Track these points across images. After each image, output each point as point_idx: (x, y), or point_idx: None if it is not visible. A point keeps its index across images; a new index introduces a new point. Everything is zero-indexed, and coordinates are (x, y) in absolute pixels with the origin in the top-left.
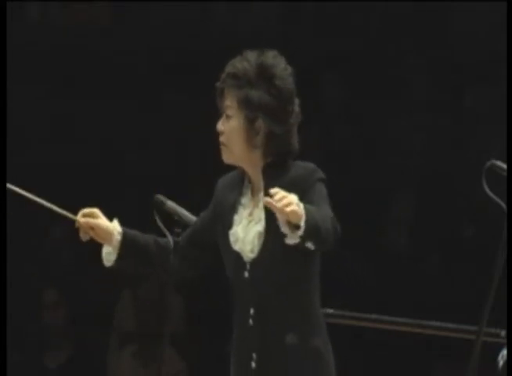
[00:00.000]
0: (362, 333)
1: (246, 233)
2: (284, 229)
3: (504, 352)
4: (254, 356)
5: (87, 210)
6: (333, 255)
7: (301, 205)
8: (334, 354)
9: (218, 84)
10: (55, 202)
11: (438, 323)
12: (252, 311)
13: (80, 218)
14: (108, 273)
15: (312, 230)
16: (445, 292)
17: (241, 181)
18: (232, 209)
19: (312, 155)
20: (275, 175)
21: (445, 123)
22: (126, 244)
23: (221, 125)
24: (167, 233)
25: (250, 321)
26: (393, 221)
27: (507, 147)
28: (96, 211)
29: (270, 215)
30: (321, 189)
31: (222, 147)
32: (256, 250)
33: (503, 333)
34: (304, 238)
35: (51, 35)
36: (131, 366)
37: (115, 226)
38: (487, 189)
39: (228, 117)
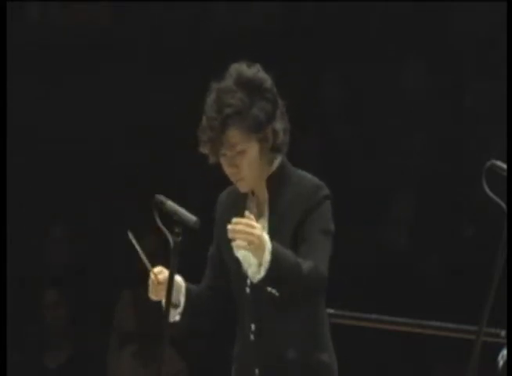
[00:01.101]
0: (362, 333)
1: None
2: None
3: (504, 352)
4: (257, 371)
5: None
6: (333, 255)
7: (268, 247)
8: (334, 354)
9: (214, 133)
10: (55, 202)
11: (438, 323)
12: (253, 327)
13: (157, 272)
14: (108, 273)
15: (274, 278)
16: (445, 292)
17: (244, 194)
18: None
19: (312, 155)
20: (280, 187)
21: (445, 123)
22: (188, 300)
23: (233, 167)
24: (167, 233)
25: (252, 337)
26: (393, 221)
27: (507, 147)
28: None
29: (273, 224)
30: (322, 214)
31: (238, 181)
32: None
33: (503, 333)
34: (264, 283)
35: (51, 35)
36: (131, 366)
37: (181, 283)
38: (487, 189)
39: (240, 153)
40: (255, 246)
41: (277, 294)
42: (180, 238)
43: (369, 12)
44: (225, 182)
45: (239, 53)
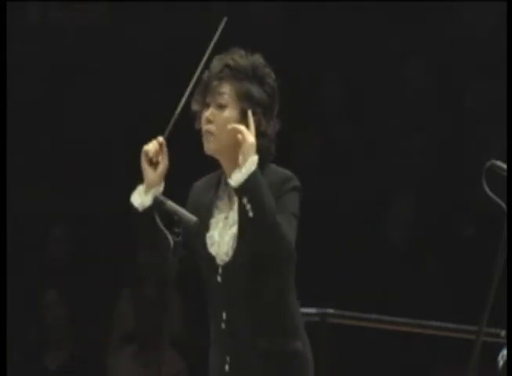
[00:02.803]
0: (362, 333)
1: (222, 236)
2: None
3: (504, 352)
4: (228, 359)
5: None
6: (333, 255)
7: (255, 157)
8: (334, 354)
9: (209, 74)
10: (55, 203)
11: (438, 323)
12: (224, 315)
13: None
14: (108, 273)
15: (251, 191)
16: (445, 292)
17: (217, 184)
18: (209, 212)
19: (312, 155)
20: None
21: (445, 123)
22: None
23: (210, 114)
24: (167, 233)
25: (223, 325)
26: (393, 221)
27: (507, 147)
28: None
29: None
30: (291, 200)
31: (208, 136)
32: (230, 253)
33: (503, 333)
34: (242, 190)
35: (51, 35)
36: (131, 366)
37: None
38: (487, 189)
39: (221, 106)
40: (247, 146)
41: (250, 214)
42: (180, 238)
43: (370, 12)
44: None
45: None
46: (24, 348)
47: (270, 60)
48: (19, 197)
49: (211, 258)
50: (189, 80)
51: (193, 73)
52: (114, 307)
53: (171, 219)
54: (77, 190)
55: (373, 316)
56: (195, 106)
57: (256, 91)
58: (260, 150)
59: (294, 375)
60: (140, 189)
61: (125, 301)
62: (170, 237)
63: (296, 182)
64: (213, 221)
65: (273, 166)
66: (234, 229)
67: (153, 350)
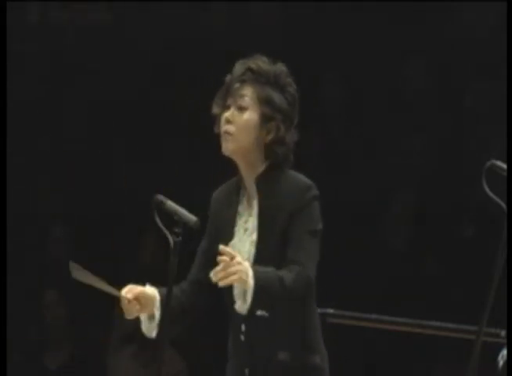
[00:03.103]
0: (362, 333)
1: (242, 243)
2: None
3: (504, 352)
4: (247, 371)
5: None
6: (333, 255)
7: (250, 274)
8: (334, 354)
9: (231, 77)
10: (55, 202)
11: (438, 323)
12: (243, 327)
13: (124, 293)
14: (108, 273)
15: (261, 302)
16: (444, 292)
17: (237, 190)
18: (233, 221)
19: (312, 155)
20: (269, 184)
21: (445, 123)
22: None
23: (230, 115)
24: (167, 233)
25: (242, 337)
26: (393, 221)
27: (507, 147)
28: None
29: (263, 223)
30: (312, 214)
31: (226, 136)
32: (251, 259)
33: (503, 333)
34: (251, 309)
35: (51, 35)
36: (131, 366)
37: (154, 293)
38: (487, 189)
39: (242, 108)
40: (241, 280)
41: (267, 314)
42: (180, 238)
43: (370, 12)
44: (224, 181)
45: (239, 53)
46: (24, 348)
47: (269, 60)
48: (19, 197)
49: None
50: (190, 79)
51: (193, 72)
52: (114, 307)
53: (171, 219)
54: (77, 190)
55: (373, 316)
56: (215, 109)
57: (277, 97)
58: (278, 156)
59: None
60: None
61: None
62: (170, 237)
63: (315, 192)
64: (236, 229)
65: (292, 172)
66: (254, 236)
67: (153, 350)
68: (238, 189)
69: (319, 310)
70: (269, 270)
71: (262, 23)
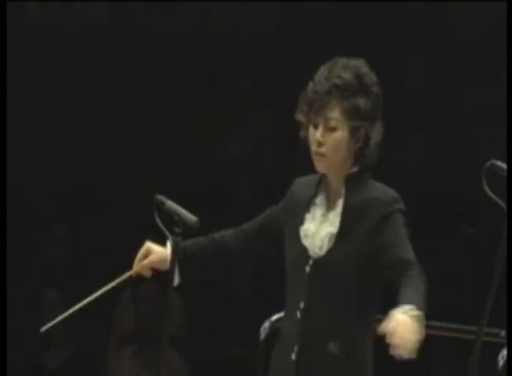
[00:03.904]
0: None
1: (318, 230)
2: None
3: (504, 352)
4: (296, 348)
5: (140, 255)
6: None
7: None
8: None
9: (315, 90)
10: (55, 203)
11: (438, 323)
12: (302, 304)
13: (135, 268)
14: (108, 273)
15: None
16: (445, 292)
17: (317, 183)
18: (306, 207)
19: (310, 155)
20: (357, 187)
21: (445, 123)
22: (183, 260)
23: (320, 136)
24: (167, 233)
25: (298, 314)
26: None
27: (507, 147)
28: (147, 247)
29: (346, 219)
30: (402, 222)
31: (319, 157)
32: (325, 248)
33: (503, 333)
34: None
35: (51, 35)
36: (131, 366)
37: (167, 250)
38: (487, 189)
39: (331, 129)
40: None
41: None
42: (180, 238)
43: (369, 12)
44: (225, 181)
45: (239, 53)
46: (24, 348)
47: (269, 60)
48: (19, 197)
49: (304, 250)
50: (191, 79)
51: (194, 72)
52: (114, 307)
53: (171, 219)
54: (78, 190)
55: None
56: (300, 117)
57: (363, 104)
58: (367, 159)
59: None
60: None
61: (125, 301)
62: (170, 237)
63: (402, 205)
64: (308, 215)
65: (378, 183)
66: (333, 229)
67: (153, 350)
68: (319, 183)
69: None
70: (419, 290)
71: (262, 23)
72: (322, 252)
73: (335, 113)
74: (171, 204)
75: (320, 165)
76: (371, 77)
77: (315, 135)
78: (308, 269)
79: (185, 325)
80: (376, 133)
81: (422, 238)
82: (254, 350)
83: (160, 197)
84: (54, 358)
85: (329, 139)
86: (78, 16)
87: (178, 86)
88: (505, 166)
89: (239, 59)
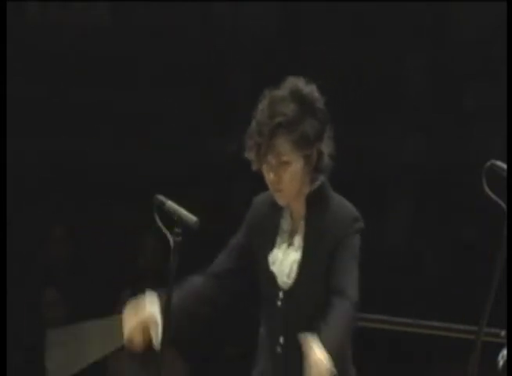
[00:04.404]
0: (362, 333)
1: (285, 256)
2: None
3: (504, 352)
4: (281, 340)
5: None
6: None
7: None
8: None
9: (260, 130)
10: (55, 203)
11: (438, 323)
12: (281, 339)
13: (127, 336)
14: (108, 273)
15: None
16: (445, 292)
17: (279, 206)
18: (275, 230)
19: None
20: (318, 205)
21: (445, 123)
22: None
23: (274, 176)
24: (167, 233)
25: (279, 349)
26: (393, 221)
27: (507, 147)
28: (138, 308)
29: (309, 243)
30: (356, 245)
31: (277, 194)
32: (292, 276)
33: (503, 333)
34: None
35: (51, 35)
36: (131, 366)
37: (155, 316)
38: (487, 189)
39: (285, 163)
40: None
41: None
42: (180, 238)
43: (369, 12)
44: (224, 181)
45: (239, 53)
46: (24, 348)
47: (269, 60)
48: (19, 197)
49: (272, 278)
50: (191, 79)
51: (194, 72)
52: (114, 307)
53: (171, 219)
54: (78, 190)
55: (374, 316)
56: (250, 156)
57: (311, 129)
58: (323, 173)
59: None
60: None
61: (125, 301)
62: (170, 237)
63: (361, 225)
64: (278, 239)
65: (338, 197)
66: (298, 255)
67: (153, 351)
68: (281, 206)
69: None
70: (336, 335)
71: (262, 23)
72: (290, 280)
73: (285, 149)
74: (171, 204)
75: (281, 200)
76: (312, 94)
77: (270, 175)
78: (279, 303)
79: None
80: (327, 145)
81: (421, 238)
82: (254, 349)
83: (160, 197)
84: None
85: (283, 175)
86: (78, 16)
87: (178, 86)
88: (505, 166)
89: (239, 59)
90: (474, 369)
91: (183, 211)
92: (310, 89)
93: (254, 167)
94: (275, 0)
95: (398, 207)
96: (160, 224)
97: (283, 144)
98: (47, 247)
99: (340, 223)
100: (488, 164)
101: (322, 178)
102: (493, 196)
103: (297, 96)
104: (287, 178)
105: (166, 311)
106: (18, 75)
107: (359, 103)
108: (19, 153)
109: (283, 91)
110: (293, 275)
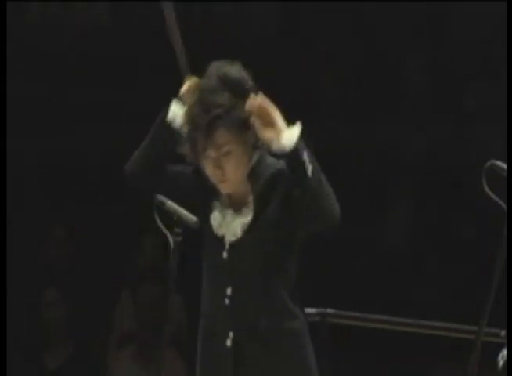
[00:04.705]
0: (362, 333)
1: (233, 218)
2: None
3: (504, 352)
4: (231, 334)
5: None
6: (333, 255)
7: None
8: (334, 354)
9: (200, 132)
10: (55, 203)
11: (438, 323)
12: (229, 291)
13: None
14: (108, 273)
15: (304, 158)
16: (445, 292)
17: None
18: (213, 193)
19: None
20: (261, 175)
21: (445, 123)
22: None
23: (217, 169)
24: (167, 233)
25: (227, 301)
26: (393, 221)
27: (507, 147)
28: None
29: (260, 205)
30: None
31: (223, 185)
32: (239, 234)
33: (503, 333)
34: (298, 146)
35: (51, 35)
36: (131, 366)
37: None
38: (487, 189)
39: (226, 154)
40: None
41: (309, 173)
42: (180, 238)
43: (369, 12)
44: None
45: (239, 53)
46: (24, 348)
47: (269, 60)
48: (19, 197)
49: (218, 238)
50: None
51: (193, 72)
52: (114, 307)
53: (171, 219)
54: (78, 190)
55: (373, 316)
56: (190, 159)
57: (244, 111)
58: (258, 146)
59: (297, 353)
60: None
61: (125, 301)
62: (170, 237)
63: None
64: (216, 203)
65: (268, 157)
66: (246, 218)
67: (153, 350)
68: None
69: (319, 310)
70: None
71: (262, 24)
72: (236, 237)
73: (225, 139)
74: (171, 204)
75: (227, 190)
76: (240, 77)
77: (211, 169)
78: (224, 254)
79: (185, 325)
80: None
81: (422, 238)
82: None
83: (160, 197)
84: (54, 358)
85: (226, 166)
86: (78, 16)
87: (178, 86)
88: (505, 166)
89: (239, 59)
90: (474, 369)
91: (183, 211)
92: (237, 71)
93: (189, 160)
94: (275, 0)
95: (398, 207)
96: (160, 224)
97: (224, 135)
98: (47, 247)
99: (281, 173)
100: (488, 164)
101: (257, 151)
102: (493, 196)
103: (228, 83)
104: (231, 168)
105: (163, 312)
106: (18, 75)
107: (359, 103)
108: (19, 153)
109: (211, 80)
110: (240, 232)
